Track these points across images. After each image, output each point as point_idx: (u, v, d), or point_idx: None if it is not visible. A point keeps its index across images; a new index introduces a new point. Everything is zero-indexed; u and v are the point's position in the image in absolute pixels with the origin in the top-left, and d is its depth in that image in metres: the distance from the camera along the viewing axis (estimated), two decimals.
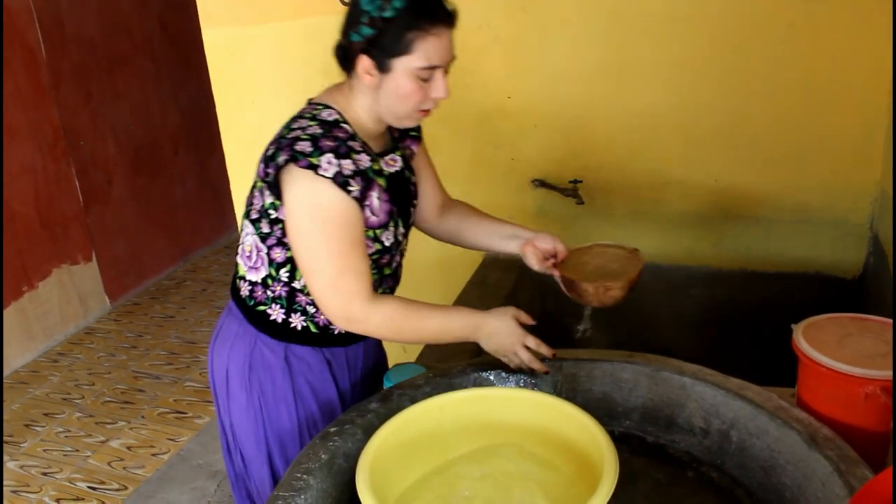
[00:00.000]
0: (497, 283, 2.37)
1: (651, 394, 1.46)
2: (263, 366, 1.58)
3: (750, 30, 2.11)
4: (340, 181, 1.36)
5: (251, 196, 1.53)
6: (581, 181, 2.35)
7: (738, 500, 1.30)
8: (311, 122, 1.42)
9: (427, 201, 1.73)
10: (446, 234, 1.78)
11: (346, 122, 1.45)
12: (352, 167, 1.38)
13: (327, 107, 1.47)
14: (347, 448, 1.31)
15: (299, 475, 1.25)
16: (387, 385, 1.62)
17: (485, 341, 1.47)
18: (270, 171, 1.40)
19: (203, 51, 2.66)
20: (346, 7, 1.44)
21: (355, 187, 1.38)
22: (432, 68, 1.38)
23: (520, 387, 1.50)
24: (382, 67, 1.38)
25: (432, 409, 1.37)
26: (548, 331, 2.53)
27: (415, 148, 1.67)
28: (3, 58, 3.71)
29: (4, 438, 3.27)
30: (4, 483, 2.98)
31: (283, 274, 1.51)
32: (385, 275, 1.59)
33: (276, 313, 1.55)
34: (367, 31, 1.36)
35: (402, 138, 1.63)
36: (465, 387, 1.46)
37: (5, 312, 3.79)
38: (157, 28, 4.73)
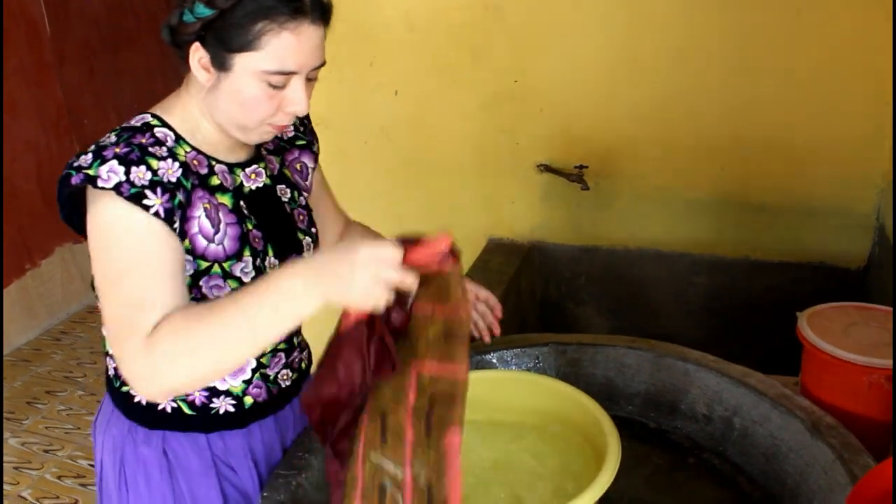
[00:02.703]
0: (499, 268, 2.37)
1: (654, 380, 1.46)
2: (138, 460, 1.25)
3: (759, 17, 2.10)
4: (128, 192, 1.03)
5: None
6: (587, 166, 2.34)
7: (740, 487, 1.30)
8: (112, 132, 1.12)
9: (324, 228, 1.42)
10: None
11: (165, 125, 1.14)
12: (147, 175, 1.05)
13: (143, 112, 1.17)
14: None
15: (300, 454, 1.26)
16: None
17: (332, 288, 0.94)
18: (60, 204, 1.10)
19: None
20: None
21: (155, 200, 1.05)
22: (286, 74, 1.07)
23: (522, 370, 1.50)
24: (220, 64, 1.07)
25: None
26: (550, 316, 2.55)
27: (307, 161, 1.35)
28: (2, 33, 3.69)
29: (6, 415, 3.28)
30: (6, 460, 2.99)
31: None
32: None
33: (140, 395, 1.22)
34: (203, 10, 1.04)
35: (279, 149, 1.32)
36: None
37: (8, 290, 3.79)
38: (162, 6, 4.70)
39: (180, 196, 1.09)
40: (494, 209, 2.54)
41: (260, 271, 1.17)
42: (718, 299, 2.35)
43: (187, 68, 1.12)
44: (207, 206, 1.13)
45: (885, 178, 2.10)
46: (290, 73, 1.08)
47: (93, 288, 1.17)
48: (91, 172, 1.03)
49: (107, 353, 1.25)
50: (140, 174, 1.05)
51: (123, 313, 1.03)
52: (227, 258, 1.15)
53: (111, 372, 1.27)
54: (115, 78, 4.42)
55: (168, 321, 1.00)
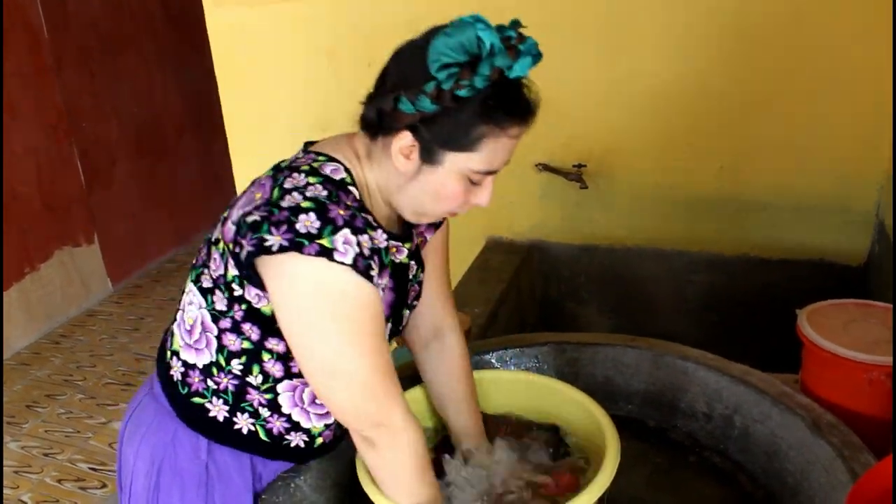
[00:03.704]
0: (499, 266, 2.37)
1: (653, 378, 1.46)
2: (175, 471, 1.23)
3: (758, 14, 2.09)
4: (362, 266, 1.01)
5: (205, 253, 1.17)
6: (585, 165, 2.33)
7: (741, 485, 1.30)
8: (311, 179, 1.06)
9: (418, 309, 1.33)
10: (421, 370, 1.38)
11: (354, 183, 1.10)
12: (369, 245, 1.04)
13: (332, 159, 1.11)
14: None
15: None
16: None
17: None
18: (247, 245, 1.02)
19: (206, 33, 2.65)
20: (397, 58, 1.09)
21: (375, 270, 1.04)
22: (490, 173, 1.07)
23: (521, 369, 1.50)
24: (429, 157, 1.04)
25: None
26: (549, 316, 2.54)
27: (429, 235, 1.30)
28: (3, 38, 3.69)
29: (6, 419, 3.28)
30: (6, 463, 2.99)
31: (236, 365, 1.16)
32: None
33: (218, 410, 1.20)
34: (428, 105, 1.00)
35: (416, 224, 1.26)
36: None
37: (7, 293, 3.79)
38: (159, 9, 4.71)
39: (381, 265, 1.09)
40: (493, 208, 2.49)
41: (388, 337, 1.18)
42: (718, 297, 2.34)
43: (375, 143, 1.10)
44: (386, 274, 1.13)
45: (884, 175, 2.10)
46: (493, 173, 1.08)
47: (221, 311, 1.14)
48: (326, 244, 0.99)
49: (175, 354, 1.22)
50: (365, 244, 1.03)
51: (384, 381, 1.06)
52: None
53: (177, 377, 1.21)
54: (114, 81, 4.42)
55: (421, 438, 1.11)
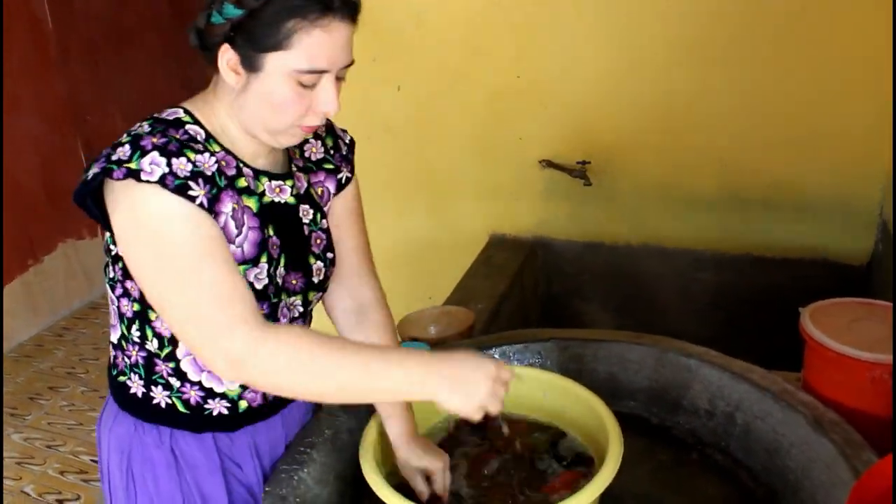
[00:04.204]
0: (503, 263, 2.37)
1: (656, 375, 1.46)
2: (145, 459, 1.23)
3: (761, 12, 2.09)
4: (173, 184, 1.01)
5: None
6: (589, 162, 2.33)
7: (742, 483, 1.30)
8: (144, 122, 1.10)
9: (338, 279, 1.31)
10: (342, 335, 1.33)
11: (196, 122, 1.11)
12: (188, 167, 1.03)
13: (174, 106, 1.14)
14: (351, 424, 1.32)
15: (303, 449, 1.26)
16: None
17: (448, 387, 1.00)
18: (79, 185, 1.06)
19: None
20: None
21: (199, 191, 1.03)
22: (318, 72, 1.05)
23: (525, 365, 1.50)
24: (251, 65, 1.04)
25: None
26: (552, 312, 2.55)
27: (330, 186, 1.28)
28: (2, 30, 3.69)
29: (9, 411, 3.28)
30: (9, 455, 3.00)
31: (135, 332, 1.16)
32: None
33: (136, 385, 1.21)
34: (233, 10, 1.01)
35: (306, 168, 1.26)
36: None
37: (10, 286, 3.80)
38: (165, 2, 4.70)
39: (214, 190, 1.06)
40: (497, 205, 2.53)
41: (271, 279, 1.15)
42: (721, 295, 2.35)
43: (215, 70, 1.10)
44: (235, 206, 1.10)
45: (887, 174, 2.10)
46: (321, 72, 1.05)
47: (105, 272, 1.17)
48: (133, 166, 1.00)
49: (111, 343, 1.24)
50: (181, 165, 1.03)
51: (212, 302, 1.01)
52: (244, 262, 1.12)
53: (111, 361, 1.25)
54: (119, 74, 4.42)
55: (287, 330, 1.03)
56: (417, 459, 1.20)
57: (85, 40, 4.18)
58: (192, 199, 1.02)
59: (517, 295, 2.29)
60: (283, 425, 1.31)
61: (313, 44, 1.03)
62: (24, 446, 3.06)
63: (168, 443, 1.22)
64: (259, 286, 1.13)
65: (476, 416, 1.01)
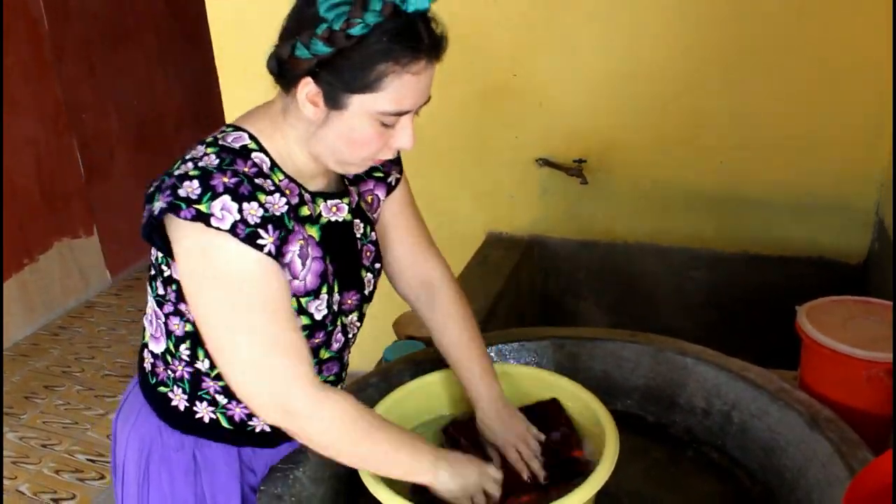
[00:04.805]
0: (499, 261, 2.37)
1: (652, 374, 1.46)
2: (163, 460, 1.24)
3: (760, 13, 2.09)
4: (244, 233, 1.00)
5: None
6: (585, 161, 2.33)
7: (739, 481, 1.30)
8: (209, 150, 1.06)
9: (402, 271, 1.34)
10: (423, 319, 1.36)
11: (261, 149, 1.09)
12: (259, 212, 1.01)
13: (238, 129, 1.11)
14: None
15: (298, 448, 1.25)
16: (386, 359, 1.62)
17: (446, 478, 1.09)
18: (146, 216, 1.04)
19: (207, 28, 2.64)
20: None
21: (268, 239, 1.02)
22: (401, 114, 1.05)
23: (520, 364, 1.50)
24: (334, 102, 1.02)
25: (433, 383, 1.37)
26: (548, 311, 2.54)
27: (380, 193, 1.28)
28: (3, 30, 3.68)
29: (5, 410, 3.28)
30: (4, 454, 2.99)
31: (184, 351, 1.16)
32: (323, 360, 1.22)
33: (179, 399, 1.21)
34: (322, 48, 0.98)
35: (357, 179, 1.25)
36: None
37: (6, 285, 3.79)
38: (161, 2, 4.69)
39: (284, 232, 1.05)
40: (493, 203, 2.53)
41: (329, 308, 1.15)
42: (717, 294, 2.35)
43: (285, 96, 1.08)
44: (302, 242, 1.10)
45: (884, 173, 2.10)
46: (404, 114, 1.05)
47: (152, 287, 1.17)
48: (203, 209, 0.98)
49: (147, 350, 1.24)
50: (252, 211, 1.01)
51: (279, 356, 1.03)
52: (306, 294, 1.12)
53: (147, 368, 1.24)
54: (115, 74, 4.41)
55: (343, 398, 1.06)
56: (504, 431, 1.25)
57: (81, 40, 4.17)
58: (261, 247, 1.01)
59: (513, 293, 2.29)
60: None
61: (402, 87, 1.01)
62: (20, 445, 3.05)
63: (190, 447, 1.23)
64: (319, 317, 1.14)
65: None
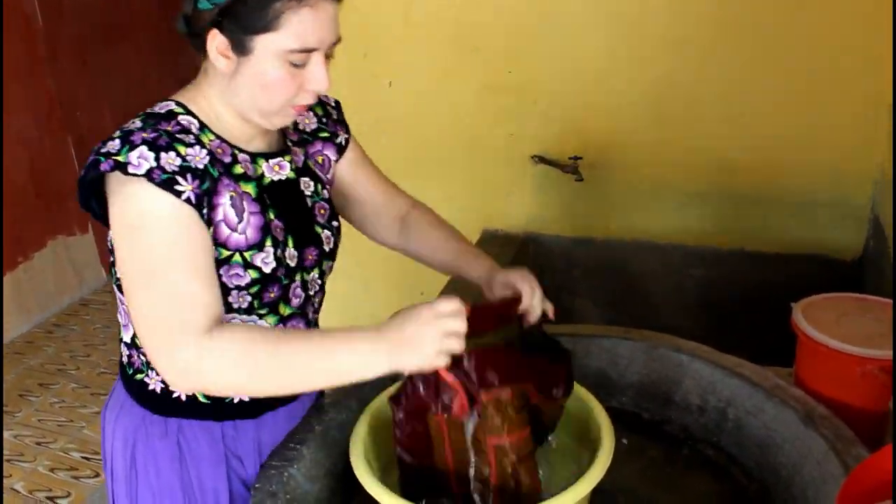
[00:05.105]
0: (494, 258, 2.34)
1: (647, 370, 1.46)
2: (148, 449, 1.25)
3: (757, 8, 2.09)
4: (160, 178, 1.02)
5: None
6: (581, 158, 2.33)
7: (734, 478, 1.30)
8: (136, 118, 1.11)
9: (378, 216, 1.40)
10: (413, 253, 1.41)
11: (188, 113, 1.12)
12: (177, 161, 1.04)
13: (166, 99, 1.15)
14: (342, 419, 1.31)
15: (293, 445, 1.25)
16: None
17: (400, 353, 1.00)
18: (78, 184, 1.08)
19: None
20: None
21: (186, 186, 1.03)
22: (307, 51, 1.06)
23: None
24: (240, 48, 1.05)
25: None
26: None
27: (329, 153, 1.33)
28: (2, 27, 3.67)
29: None
30: None
31: None
32: (284, 316, 1.22)
33: (154, 382, 1.22)
34: None
35: (302, 141, 1.29)
36: None
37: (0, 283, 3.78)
38: (154, 0, 4.68)
39: (208, 183, 1.07)
40: (489, 200, 2.53)
41: (280, 262, 1.16)
42: (713, 291, 2.35)
43: (204, 57, 1.11)
44: (233, 194, 1.11)
45: (880, 170, 2.10)
46: (311, 51, 1.07)
47: (112, 272, 1.17)
48: (121, 159, 1.02)
49: (121, 341, 1.26)
50: (170, 160, 1.04)
51: (168, 308, 1.02)
52: (249, 248, 1.13)
53: (125, 359, 1.26)
54: (109, 72, 4.40)
55: (228, 331, 1.02)
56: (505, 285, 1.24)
57: (75, 37, 4.16)
58: (179, 193, 1.03)
59: None
60: (289, 423, 1.31)
61: (302, 23, 1.04)
62: (14, 443, 3.04)
63: (175, 434, 1.24)
64: (267, 269, 1.14)
65: (439, 364, 1.00)
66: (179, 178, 1.04)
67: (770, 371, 1.35)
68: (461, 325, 1.00)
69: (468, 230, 2.52)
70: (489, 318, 1.11)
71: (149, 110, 1.13)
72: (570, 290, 2.52)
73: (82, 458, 2.95)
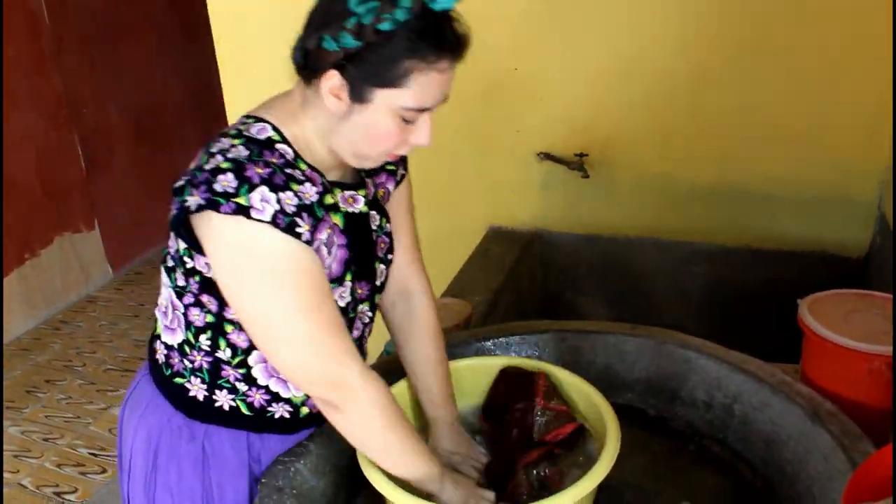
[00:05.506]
0: (500, 255, 2.36)
1: (654, 367, 1.46)
2: (172, 451, 1.24)
3: (761, 6, 2.09)
4: (284, 223, 1.01)
5: (169, 237, 1.16)
6: (587, 154, 2.33)
7: (740, 474, 1.30)
8: (235, 141, 1.06)
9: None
10: (394, 334, 1.38)
11: (284, 140, 1.10)
12: (294, 201, 1.04)
13: (260, 120, 1.11)
14: None
15: (301, 441, 1.25)
16: (387, 352, 1.62)
17: (451, 490, 1.15)
18: (173, 209, 1.05)
19: (207, 22, 2.63)
20: None
21: (304, 227, 1.04)
22: (422, 110, 1.06)
23: (522, 356, 1.50)
24: (359, 96, 1.03)
25: None
26: (549, 305, 2.54)
27: (390, 186, 1.29)
28: (2, 24, 3.68)
29: (7, 404, 3.28)
30: (6, 448, 2.99)
31: (204, 341, 1.17)
32: None
33: (197, 389, 1.21)
34: (350, 41, 0.99)
35: (371, 172, 1.26)
36: (467, 355, 1.45)
37: (7, 280, 3.79)
38: None
39: (315, 221, 1.07)
40: (495, 197, 2.53)
41: (352, 295, 1.18)
42: (719, 288, 2.34)
43: (307, 87, 1.09)
44: (329, 230, 1.11)
45: (886, 167, 2.10)
46: (425, 110, 1.07)
47: (170, 277, 1.17)
48: (242, 202, 0.99)
49: (161, 341, 1.24)
50: (289, 200, 1.03)
51: (331, 338, 1.07)
52: (332, 281, 1.13)
53: (161, 359, 1.24)
54: (115, 69, 4.41)
55: (387, 393, 1.13)
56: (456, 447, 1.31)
57: (81, 34, 4.17)
58: (299, 235, 1.03)
59: (514, 287, 2.29)
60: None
61: (426, 84, 1.03)
62: (22, 439, 3.06)
63: (201, 438, 1.23)
64: (342, 304, 1.16)
65: None
66: (298, 220, 1.03)
67: (776, 367, 1.35)
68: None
69: (474, 227, 2.54)
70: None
71: (245, 131, 1.09)
72: (575, 286, 2.52)
73: (89, 454, 2.97)
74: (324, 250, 1.10)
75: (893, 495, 0.92)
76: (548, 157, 2.38)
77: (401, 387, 1.34)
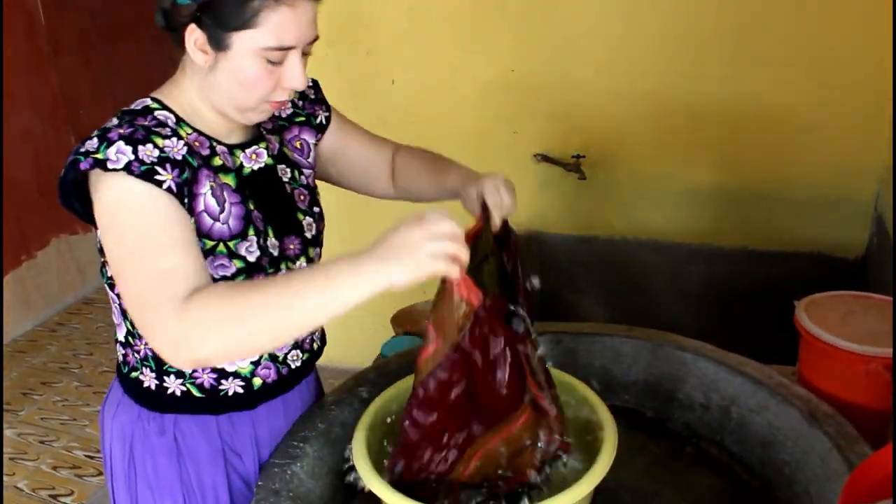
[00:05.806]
0: None
1: (651, 369, 1.46)
2: (146, 447, 1.24)
3: (758, 5, 2.09)
4: (139, 170, 1.01)
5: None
6: (584, 156, 2.33)
7: (737, 476, 1.30)
8: (115, 118, 1.10)
9: (375, 171, 1.40)
10: (412, 193, 1.40)
11: (165, 108, 1.13)
12: (154, 153, 1.04)
13: (143, 97, 1.16)
14: (344, 417, 1.31)
15: (295, 443, 1.25)
16: (384, 355, 1.61)
17: (383, 264, 0.92)
18: (61, 189, 1.08)
19: None
20: None
21: (166, 175, 1.03)
22: (285, 49, 1.07)
23: None
24: (218, 44, 1.05)
25: None
26: (546, 306, 2.54)
27: (307, 137, 1.32)
28: (2, 25, 3.67)
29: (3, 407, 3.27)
30: (3, 451, 2.99)
31: None
32: None
33: (149, 379, 1.21)
34: None
35: (278, 128, 1.28)
36: None
37: (4, 281, 3.78)
38: None
39: (187, 173, 1.07)
40: None
41: (264, 251, 1.17)
42: (716, 289, 2.34)
43: (183, 52, 1.11)
44: (213, 184, 1.12)
45: (883, 168, 2.10)
46: (288, 49, 1.07)
47: (102, 273, 1.18)
48: (99, 156, 1.02)
49: (117, 340, 1.26)
50: (148, 151, 1.04)
51: (150, 285, 0.98)
52: (232, 237, 1.13)
53: (120, 358, 1.27)
54: (112, 68, 4.40)
55: (205, 291, 0.97)
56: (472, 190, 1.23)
57: (77, 34, 4.16)
58: (160, 183, 1.03)
59: None
60: (285, 416, 1.31)
61: (280, 21, 1.04)
62: (18, 441, 3.05)
63: (171, 431, 1.24)
64: (252, 258, 1.15)
65: (435, 267, 0.93)
66: (159, 169, 1.04)
67: (773, 369, 1.34)
68: (451, 226, 0.94)
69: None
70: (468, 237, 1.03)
71: (125, 108, 1.13)
72: (572, 287, 2.52)
73: (85, 456, 2.96)
74: (212, 203, 1.11)
75: (893, 496, 0.91)
76: (545, 158, 2.38)
77: (401, 387, 1.33)
